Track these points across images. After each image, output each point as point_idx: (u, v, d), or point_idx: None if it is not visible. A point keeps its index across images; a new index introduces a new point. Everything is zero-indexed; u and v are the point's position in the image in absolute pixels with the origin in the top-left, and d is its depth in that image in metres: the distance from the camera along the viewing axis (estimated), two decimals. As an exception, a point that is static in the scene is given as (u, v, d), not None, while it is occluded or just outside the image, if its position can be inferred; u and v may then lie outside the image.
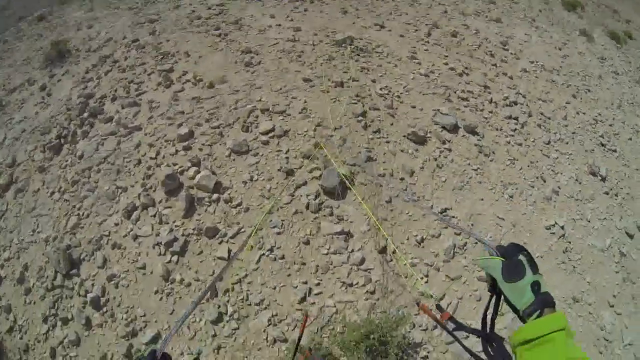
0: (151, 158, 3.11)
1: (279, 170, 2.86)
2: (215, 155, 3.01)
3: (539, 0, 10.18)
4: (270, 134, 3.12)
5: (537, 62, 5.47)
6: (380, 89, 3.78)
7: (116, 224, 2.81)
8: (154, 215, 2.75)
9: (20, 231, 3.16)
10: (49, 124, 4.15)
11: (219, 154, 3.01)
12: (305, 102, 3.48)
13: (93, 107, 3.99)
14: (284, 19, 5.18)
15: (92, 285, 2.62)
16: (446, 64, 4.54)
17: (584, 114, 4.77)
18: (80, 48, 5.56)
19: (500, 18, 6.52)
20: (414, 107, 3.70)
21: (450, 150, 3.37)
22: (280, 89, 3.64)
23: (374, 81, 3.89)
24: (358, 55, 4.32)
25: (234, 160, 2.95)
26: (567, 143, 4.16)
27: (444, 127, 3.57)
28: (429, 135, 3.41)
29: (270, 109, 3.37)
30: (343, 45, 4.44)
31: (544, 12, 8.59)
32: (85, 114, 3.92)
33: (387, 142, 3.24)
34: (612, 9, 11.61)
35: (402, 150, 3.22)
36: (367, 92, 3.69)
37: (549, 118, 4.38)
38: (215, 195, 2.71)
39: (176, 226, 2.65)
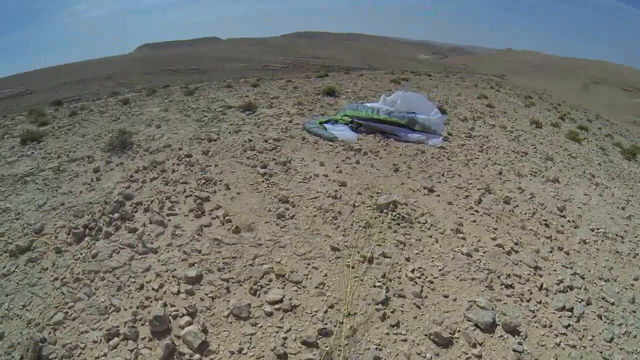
0: (153, 289, 3.95)
1: (272, 350, 3.35)
2: (213, 311, 3.71)
3: (598, 151, 11.41)
4: (277, 306, 3.75)
5: (597, 229, 5.84)
6: (413, 271, 4.30)
7: (94, 342, 3.46)
8: (131, 351, 3.37)
9: (13, 299, 3.93)
10: (83, 209, 5.48)
11: (218, 312, 3.70)
12: (326, 275, 4.18)
13: (126, 210, 5.29)
14: (333, 169, 6.53)
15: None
16: (494, 239, 5.03)
17: (657, 291, 4.67)
18: (142, 145, 7.52)
19: (557, 178, 7.40)
20: (446, 296, 4.04)
21: (480, 357, 3.46)
22: (304, 253, 4.47)
23: (407, 259, 4.48)
24: (398, 224, 5.10)
25: (230, 323, 3.59)
26: (635, 337, 3.97)
27: (477, 325, 3.69)
28: (456, 336, 3.59)
29: (286, 276, 4.12)
30: (384, 211, 5.30)
31: (604, 165, 9.80)
32: (116, 215, 5.18)
33: (404, 340, 3.54)
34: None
35: (418, 354, 3.43)
36: (396, 274, 4.28)
37: (613, 304, 4.34)
38: (196, 356, 3.30)
39: (146, 373, 3.25)
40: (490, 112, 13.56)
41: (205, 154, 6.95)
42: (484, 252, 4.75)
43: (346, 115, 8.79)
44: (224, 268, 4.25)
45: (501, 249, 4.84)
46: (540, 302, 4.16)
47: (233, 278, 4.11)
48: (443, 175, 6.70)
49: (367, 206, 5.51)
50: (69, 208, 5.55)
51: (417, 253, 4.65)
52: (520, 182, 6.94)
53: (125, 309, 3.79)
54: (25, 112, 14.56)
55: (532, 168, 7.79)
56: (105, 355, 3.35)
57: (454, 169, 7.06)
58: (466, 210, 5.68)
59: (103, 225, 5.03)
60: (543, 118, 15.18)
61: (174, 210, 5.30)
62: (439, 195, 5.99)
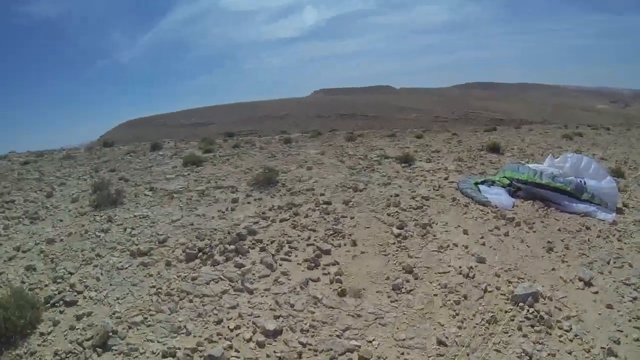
0: (229, 328, 4.67)
1: None
2: None
3: None
4: None
5: None
6: None
7: (152, 352, 4.29)
8: None
9: (114, 290, 5.31)
10: (207, 234, 6.94)
11: None
12: None
13: (243, 245, 6.46)
14: (476, 239, 6.74)
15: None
16: None
17: None
18: (286, 184, 9.23)
19: None
20: None
21: None
22: (404, 339, 4.55)
23: None
24: (532, 326, 4.80)
25: None
26: None
27: None
28: None
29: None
30: (520, 304, 5.12)
31: None
32: (232, 247, 6.31)
33: None
34: None
35: None
36: None
37: None
38: None
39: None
40: None
41: (346, 203, 7.97)
42: None
43: (505, 177, 9.26)
44: (307, 331, 4.66)
45: None
46: None
47: (311, 345, 4.47)
48: (608, 264, 6.40)
49: (501, 294, 5.39)
50: (196, 229, 7.20)
51: None
52: None
53: (194, 336, 4.62)
54: (199, 139, 19.76)
55: None
56: (152, 354, 4.24)
57: (624, 255, 6.74)
58: (629, 321, 5.04)
59: (216, 253, 6.31)
60: None
61: (289, 257, 6.22)
62: (597, 293, 5.59)
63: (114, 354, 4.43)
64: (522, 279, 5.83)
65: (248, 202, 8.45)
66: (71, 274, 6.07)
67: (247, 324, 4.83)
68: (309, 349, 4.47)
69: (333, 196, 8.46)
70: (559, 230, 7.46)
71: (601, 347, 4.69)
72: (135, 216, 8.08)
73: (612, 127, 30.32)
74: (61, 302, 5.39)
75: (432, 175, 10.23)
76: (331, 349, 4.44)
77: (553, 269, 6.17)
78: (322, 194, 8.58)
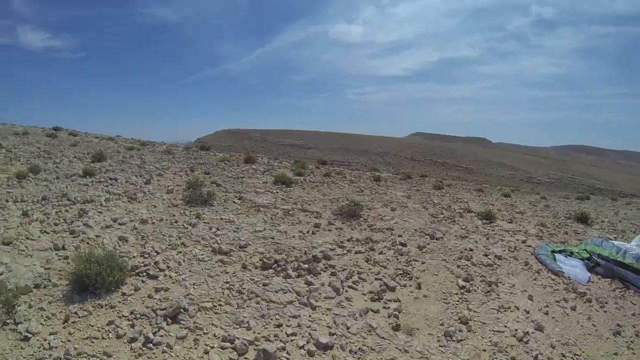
0: (286, 333, 5.35)
1: None
2: None
3: None
4: None
5: None
6: None
7: (214, 335, 5.08)
8: None
9: (192, 276, 6.25)
10: (285, 249, 7.76)
11: None
12: None
13: (316, 267, 7.14)
14: (539, 307, 7.04)
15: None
16: None
17: None
18: (368, 220, 9.74)
19: None
20: None
21: None
22: None
23: None
24: None
25: None
26: None
27: None
28: None
29: None
30: None
31: None
32: (306, 266, 7.10)
33: None
34: None
35: None
36: None
37: None
38: None
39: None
40: None
41: (420, 248, 8.51)
42: None
43: (585, 250, 9.21)
44: (356, 353, 5.19)
45: None
46: None
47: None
48: None
49: None
50: (275, 243, 8.08)
51: None
52: None
53: (254, 332, 5.35)
54: (292, 161, 21.27)
55: None
56: (212, 347, 4.99)
57: None
58: None
59: (290, 268, 7.10)
60: None
61: (356, 286, 6.85)
62: None
63: (181, 327, 5.30)
64: (579, 356, 5.89)
65: (329, 230, 9.25)
66: (157, 253, 7.20)
67: (303, 333, 5.49)
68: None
69: (410, 239, 9.02)
70: (634, 315, 7.30)
71: None
72: (221, 219, 9.19)
73: None
74: (145, 273, 6.49)
75: (510, 236, 10.51)
76: (373, 376, 4.98)
77: (615, 354, 6.13)
78: (400, 235, 9.17)
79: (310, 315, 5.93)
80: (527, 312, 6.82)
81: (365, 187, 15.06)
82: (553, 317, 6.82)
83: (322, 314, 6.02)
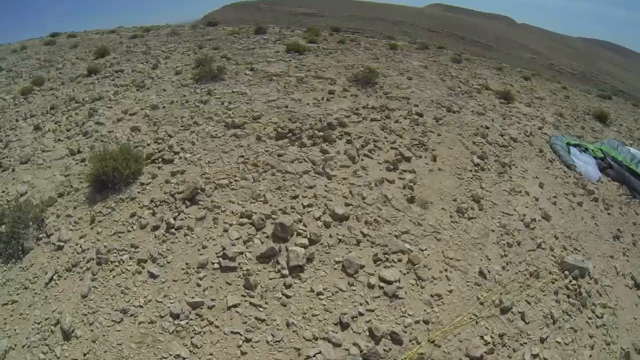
0: (302, 204, 5.41)
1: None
2: (331, 250, 4.91)
3: None
4: (380, 291, 4.67)
5: None
6: (535, 356, 4.51)
7: (232, 212, 5.28)
8: (249, 234, 4.95)
9: (207, 155, 6.37)
10: (299, 117, 7.53)
11: (333, 254, 4.89)
12: (451, 291, 4.72)
13: (330, 134, 7.03)
14: (548, 197, 7.14)
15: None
16: None
17: None
18: (384, 88, 9.48)
19: None
20: None
21: None
22: (452, 259, 5.12)
23: (542, 340, 4.70)
24: (567, 296, 5.25)
25: (337, 277, 4.68)
26: None
27: None
28: None
29: (417, 266, 4.90)
30: (565, 272, 5.44)
31: None
32: (320, 134, 6.89)
33: None
34: None
35: None
36: (514, 346, 4.54)
37: None
38: (285, 273, 4.63)
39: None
40: None
41: (437, 120, 8.26)
42: None
43: (600, 149, 9.07)
44: (371, 224, 5.27)
45: None
46: None
47: (371, 237, 5.13)
48: None
49: (552, 255, 5.70)
50: (289, 112, 7.83)
51: (559, 343, 4.70)
52: None
53: (270, 205, 5.39)
54: (305, 29, 20.10)
55: None
56: (231, 225, 5.11)
57: None
58: None
59: (305, 136, 6.94)
60: None
61: (372, 154, 6.75)
62: None
63: (199, 208, 5.37)
64: (578, 250, 6.03)
65: (344, 96, 8.91)
66: (170, 136, 7.10)
67: (320, 204, 5.51)
68: (368, 240, 5.12)
69: (426, 110, 8.70)
70: (635, 224, 7.40)
71: (621, 348, 4.97)
72: (233, 92, 8.90)
73: None
74: (160, 159, 6.45)
75: (527, 120, 10.14)
76: (386, 246, 5.07)
77: (611, 256, 6.29)
78: (416, 105, 8.83)
79: (326, 185, 5.92)
80: (536, 200, 6.83)
81: (381, 54, 14.30)
82: (560, 209, 6.86)
83: (338, 183, 6.00)
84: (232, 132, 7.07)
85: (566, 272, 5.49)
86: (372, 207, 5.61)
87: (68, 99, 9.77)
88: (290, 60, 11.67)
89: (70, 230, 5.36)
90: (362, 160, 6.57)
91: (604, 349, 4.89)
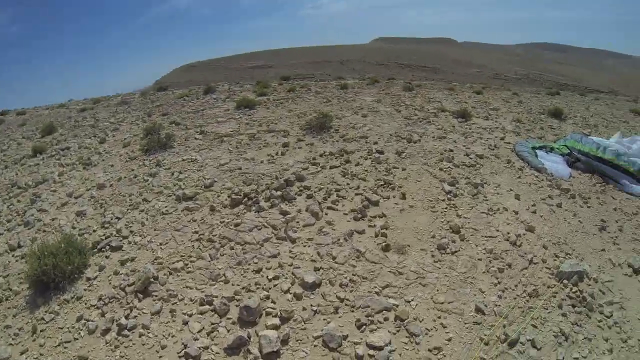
0: (268, 278, 4.78)
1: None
2: (307, 325, 4.25)
3: None
4: (373, 352, 3.98)
5: None
6: None
7: (190, 299, 4.56)
8: (212, 324, 4.26)
9: (157, 235, 5.59)
10: (254, 178, 7.01)
11: (310, 329, 4.22)
12: (450, 340, 4.20)
13: (290, 191, 6.43)
14: (527, 206, 6.75)
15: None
16: None
17: None
18: (339, 131, 9.04)
19: None
20: None
21: None
22: (443, 303, 4.59)
23: None
24: (573, 306, 4.86)
25: (314, 346, 4.06)
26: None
27: None
28: None
29: (406, 322, 4.30)
30: (564, 281, 5.09)
31: None
32: (278, 193, 6.35)
33: None
34: None
35: None
36: None
37: None
38: None
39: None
40: None
41: (399, 154, 7.81)
42: None
43: (565, 145, 9.10)
44: (346, 285, 4.68)
45: None
46: None
47: (349, 300, 4.51)
48: None
49: (547, 267, 5.31)
50: (243, 173, 7.30)
51: (577, 358, 4.18)
52: None
53: (232, 285, 4.76)
54: (254, 82, 19.79)
55: None
56: (190, 315, 4.41)
57: None
58: None
59: (262, 199, 6.37)
60: None
61: (336, 206, 6.18)
62: None
63: (154, 300, 4.69)
64: (570, 255, 5.70)
65: (299, 147, 8.42)
66: (118, 218, 6.43)
67: (287, 274, 4.91)
68: (346, 305, 4.51)
69: (386, 146, 8.30)
70: (615, 209, 7.21)
71: (638, 340, 4.61)
72: (183, 160, 8.32)
73: None
74: (107, 247, 5.74)
75: (488, 134, 9.95)
76: (368, 306, 4.47)
77: (603, 250, 5.99)
78: (375, 143, 8.43)
79: (290, 251, 5.33)
80: (516, 213, 6.49)
81: (332, 96, 14.03)
82: (541, 216, 6.56)
83: (304, 246, 5.42)
84: (184, 205, 6.45)
85: (565, 281, 5.14)
86: (345, 265, 5.04)
87: (10, 184, 8.99)
88: (240, 117, 11.22)
89: (10, 345, 4.54)
90: (326, 214, 6.03)
91: (622, 347, 4.51)
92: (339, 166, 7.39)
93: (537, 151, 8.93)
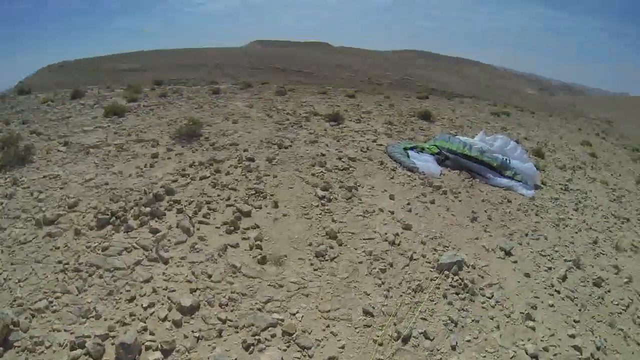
0: (142, 306, 4.06)
1: None
2: (192, 355, 3.65)
3: None
4: None
5: None
6: None
7: (59, 345, 3.65)
8: None
9: (15, 271, 4.51)
10: (121, 195, 6.03)
11: (196, 358, 3.64)
12: (343, 348, 3.93)
13: (159, 207, 5.64)
14: (402, 205, 6.63)
15: None
16: (572, 336, 4.64)
17: None
18: (210, 138, 8.29)
19: None
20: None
21: None
22: (329, 311, 4.29)
23: (453, 348, 4.17)
24: (457, 294, 4.86)
25: None
26: None
27: None
28: None
29: (294, 336, 3.91)
30: (445, 272, 5.09)
31: None
32: (147, 209, 5.52)
33: None
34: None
35: None
36: None
37: None
38: None
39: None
40: (592, 162, 13.93)
41: (270, 161, 7.29)
42: (555, 355, 4.38)
43: (435, 145, 9.18)
44: (226, 305, 4.17)
45: (578, 353, 4.48)
46: None
47: (231, 321, 4.01)
48: (527, 236, 6.67)
49: (427, 262, 5.31)
50: (110, 190, 6.23)
51: (469, 340, 4.26)
52: (617, 259, 6.78)
53: (105, 320, 3.95)
54: (125, 86, 17.56)
55: (633, 241, 7.70)
56: (60, 347, 3.63)
57: (540, 228, 7.05)
58: (545, 289, 5.38)
59: (130, 217, 5.47)
60: (654, 178, 14.69)
61: (208, 219, 5.53)
62: (516, 262, 5.83)
63: (17, 352, 3.70)
64: (447, 247, 5.73)
65: (169, 158, 7.46)
66: (-34, 258, 5.03)
67: (162, 299, 4.24)
68: (229, 326, 4.00)
69: (257, 152, 7.71)
70: (483, 201, 7.48)
71: (520, 312, 4.80)
72: (44, 177, 6.86)
73: (537, 112, 31.62)
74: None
75: (360, 137, 9.68)
76: (253, 325, 4.00)
77: (476, 238, 6.15)
78: (245, 150, 7.78)
79: (164, 273, 4.61)
80: (392, 213, 6.32)
81: (204, 102, 12.80)
82: (417, 214, 6.48)
83: (177, 266, 4.73)
84: (45, 231, 5.29)
85: (446, 272, 5.14)
86: (222, 283, 4.50)
87: None
88: (109, 126, 9.69)
89: None
90: (197, 229, 5.35)
91: (507, 322, 4.66)
92: (209, 176, 6.66)
93: (409, 152, 8.85)
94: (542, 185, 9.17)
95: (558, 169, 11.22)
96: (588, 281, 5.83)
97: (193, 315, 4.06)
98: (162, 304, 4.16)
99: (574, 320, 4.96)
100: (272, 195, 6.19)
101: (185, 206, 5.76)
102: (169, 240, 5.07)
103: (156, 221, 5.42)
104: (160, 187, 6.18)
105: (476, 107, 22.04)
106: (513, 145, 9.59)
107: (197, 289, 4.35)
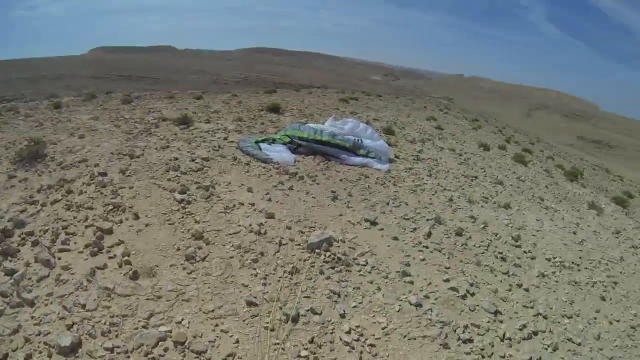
0: None
1: None
2: None
3: (543, 174, 13.37)
4: None
5: (554, 258, 6.23)
6: (349, 332, 4.05)
7: None
8: None
9: None
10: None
11: None
12: (237, 342, 3.82)
13: (10, 244, 4.80)
14: (261, 196, 6.39)
15: None
16: (447, 280, 4.99)
17: (617, 321, 4.98)
18: (56, 158, 7.16)
19: (509, 203, 8.19)
20: (390, 365, 3.92)
21: None
22: (213, 310, 4.12)
23: (342, 316, 4.26)
24: (332, 268, 4.94)
25: None
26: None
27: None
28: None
29: (187, 343, 3.71)
30: (317, 251, 5.13)
31: (551, 188, 11.20)
32: (-1, 249, 4.72)
33: None
34: (604, 168, 19.19)
35: None
36: (328, 337, 3.98)
37: (580, 344, 4.47)
38: None
39: None
40: (439, 134, 14.77)
41: (123, 172, 6.63)
42: (436, 299, 4.68)
43: (286, 135, 9.07)
44: (109, 331, 3.79)
45: (455, 292, 4.82)
46: (504, 357, 4.09)
47: (119, 347, 3.65)
48: (388, 205, 6.83)
49: (297, 244, 5.33)
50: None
51: (355, 306, 4.42)
52: (472, 210, 7.33)
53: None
54: None
55: (483, 193, 8.44)
56: None
57: (400, 196, 7.27)
58: (414, 247, 5.66)
59: (-19, 257, 4.59)
60: (490, 141, 17.18)
61: (68, 245, 4.87)
62: (382, 229, 5.99)
63: None
64: (314, 227, 5.77)
65: (12, 186, 6.28)
66: None
67: (39, 347, 3.67)
68: (119, 353, 3.64)
69: (109, 166, 6.93)
70: (341, 180, 7.58)
71: (396, 272, 5.03)
72: None
73: (384, 95, 32.84)
74: None
75: (211, 136, 9.21)
76: (142, 344, 3.71)
77: (340, 215, 6.24)
78: (96, 165, 6.94)
79: (32, 317, 3.97)
80: (253, 205, 6.17)
81: (45, 118, 10.83)
82: (277, 202, 6.39)
83: (46, 305, 4.13)
84: None
85: (317, 250, 5.16)
86: (99, 310, 4.08)
87: None
88: None
89: None
90: (59, 259, 4.69)
91: (386, 282, 4.83)
92: (62, 199, 5.83)
93: (261, 144, 8.54)
94: (396, 159, 9.51)
95: (409, 143, 11.69)
96: (451, 233, 6.24)
97: (77, 354, 3.61)
98: (40, 352, 3.62)
99: (446, 267, 5.28)
100: (130, 207, 5.69)
101: (40, 236, 5.02)
102: (29, 278, 4.39)
103: (10, 260, 4.62)
104: (8, 221, 5.23)
105: (325, 96, 22.14)
106: (363, 126, 9.78)
107: (73, 323, 3.88)
